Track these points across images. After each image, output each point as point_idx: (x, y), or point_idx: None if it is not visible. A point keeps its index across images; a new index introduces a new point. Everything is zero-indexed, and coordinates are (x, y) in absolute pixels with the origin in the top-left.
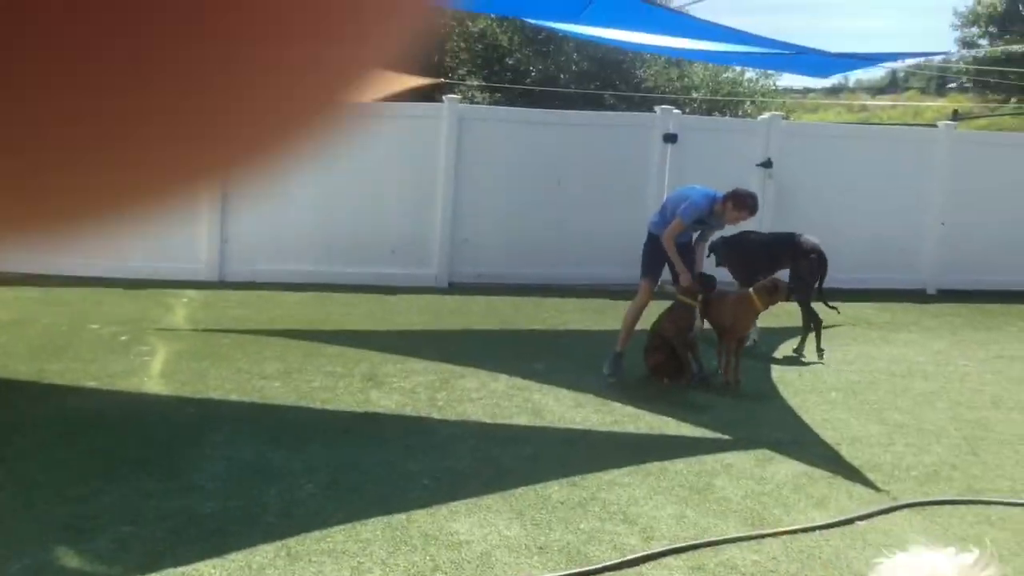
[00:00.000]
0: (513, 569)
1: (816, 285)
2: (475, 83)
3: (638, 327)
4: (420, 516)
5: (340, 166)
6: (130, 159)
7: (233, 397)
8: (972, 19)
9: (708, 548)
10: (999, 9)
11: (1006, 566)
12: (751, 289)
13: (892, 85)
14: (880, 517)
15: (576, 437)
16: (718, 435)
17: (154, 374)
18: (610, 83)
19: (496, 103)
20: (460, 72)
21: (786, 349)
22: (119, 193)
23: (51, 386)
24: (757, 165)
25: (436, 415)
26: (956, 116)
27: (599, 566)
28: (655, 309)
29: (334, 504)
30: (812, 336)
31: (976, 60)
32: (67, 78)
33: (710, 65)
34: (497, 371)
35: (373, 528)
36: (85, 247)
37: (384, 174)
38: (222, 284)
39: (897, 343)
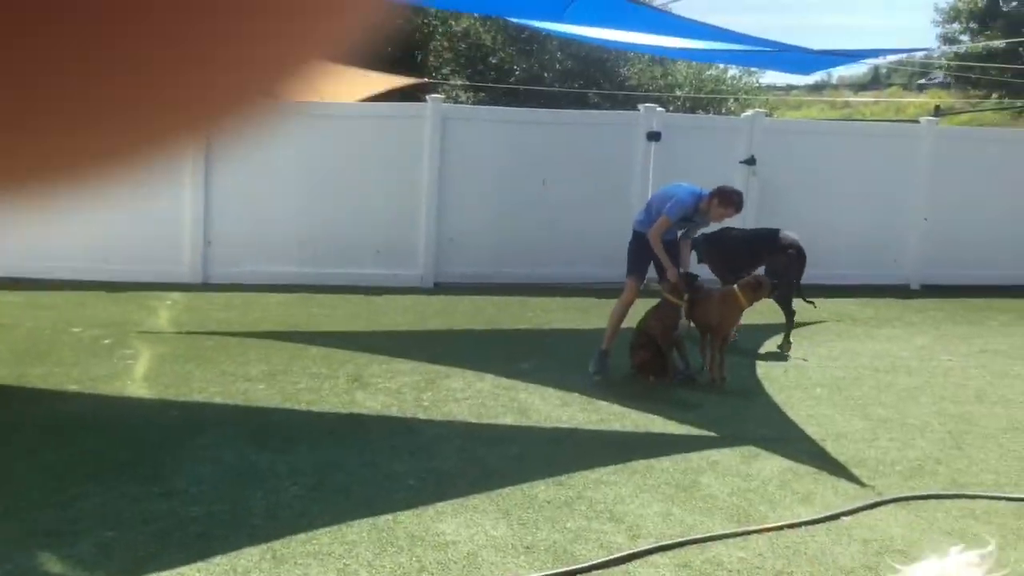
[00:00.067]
0: (500, 569)
1: (794, 281)
2: (459, 82)
3: (624, 325)
4: (406, 517)
5: (323, 166)
6: (80, 120)
7: (217, 400)
8: (953, 15)
9: (694, 545)
10: (979, 5)
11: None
12: (735, 286)
13: (875, 81)
14: (865, 512)
15: (562, 436)
16: (704, 432)
17: (137, 377)
18: (594, 81)
19: (480, 102)
20: (444, 72)
21: (771, 346)
22: (73, 154)
23: (33, 390)
24: (740, 162)
25: (422, 416)
26: (938, 112)
27: (585, 565)
28: (641, 307)
29: (319, 506)
30: (795, 331)
31: (957, 56)
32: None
33: (693, 63)
34: (483, 371)
35: (359, 530)
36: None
37: (368, 174)
38: (205, 286)
39: (881, 338)
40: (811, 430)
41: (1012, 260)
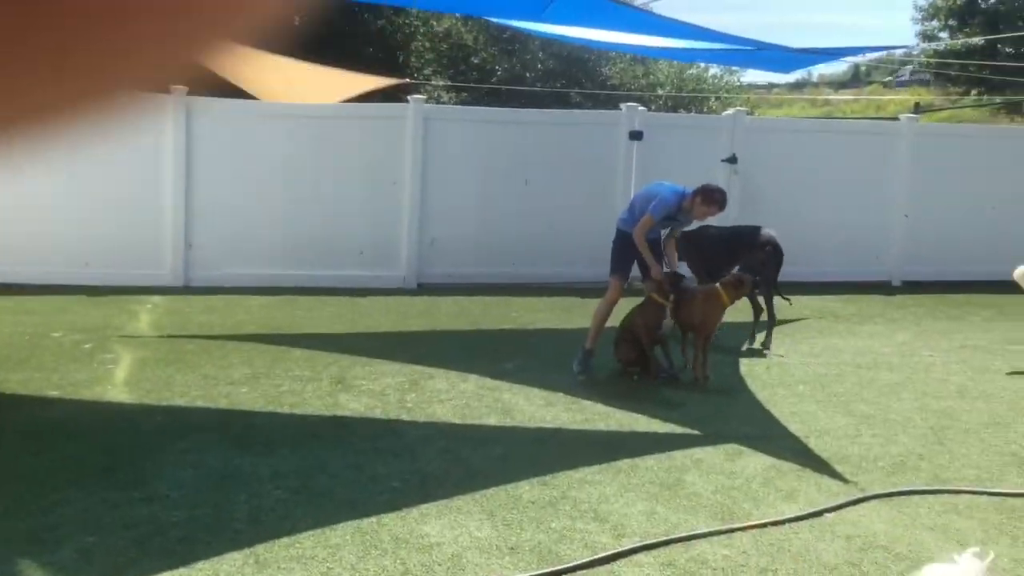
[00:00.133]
0: (484, 570)
1: (771, 277)
2: (441, 83)
3: (608, 324)
4: (390, 519)
5: (305, 167)
6: None
7: (199, 403)
8: (932, 12)
9: (679, 544)
10: (958, 2)
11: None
12: (718, 284)
13: (855, 79)
14: (848, 509)
15: (546, 436)
16: (688, 431)
17: (118, 382)
18: (576, 81)
19: (462, 103)
20: (425, 72)
21: (753, 343)
22: None
23: (13, 396)
24: (722, 161)
25: (406, 417)
26: (918, 109)
27: (570, 565)
28: (625, 306)
29: (303, 509)
30: (778, 329)
31: (937, 53)
32: None
33: (675, 62)
34: (467, 371)
35: (342, 533)
36: None
37: (350, 175)
38: (187, 289)
39: (863, 335)
40: (794, 427)
41: (992, 256)
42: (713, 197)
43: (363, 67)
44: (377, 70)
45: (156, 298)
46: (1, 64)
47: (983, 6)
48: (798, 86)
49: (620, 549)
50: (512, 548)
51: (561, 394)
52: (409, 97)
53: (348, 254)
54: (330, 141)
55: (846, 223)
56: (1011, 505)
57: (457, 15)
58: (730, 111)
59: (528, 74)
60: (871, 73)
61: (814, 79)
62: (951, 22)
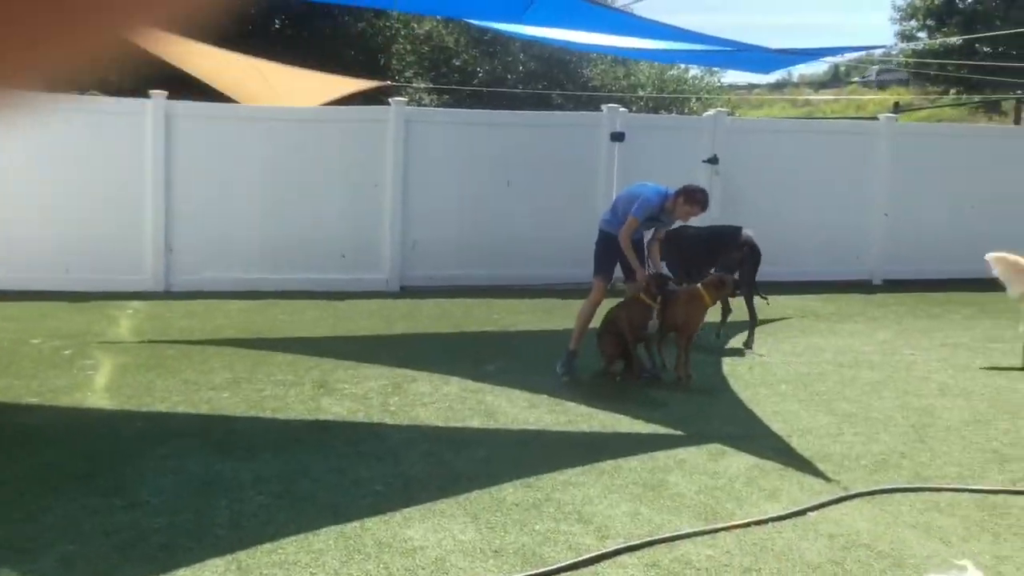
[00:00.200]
0: (468, 574)
1: (749, 278)
2: (422, 85)
3: (591, 325)
4: (373, 523)
5: (286, 170)
6: None
7: (180, 409)
8: (910, 12)
9: (662, 544)
10: (936, 2)
11: (953, 548)
12: (699, 285)
13: (835, 79)
14: (831, 507)
15: (530, 438)
16: (671, 431)
17: (98, 388)
18: (557, 83)
19: (444, 105)
20: (407, 74)
21: (736, 343)
22: None
23: None
24: (703, 161)
25: (389, 420)
26: (897, 108)
27: (554, 567)
28: (608, 307)
29: (285, 514)
30: (760, 328)
31: (915, 53)
32: None
33: (655, 63)
34: (450, 374)
35: (326, 538)
36: None
37: (331, 178)
38: (167, 294)
39: (844, 334)
40: (776, 426)
41: (972, 254)
42: (696, 197)
43: (344, 70)
44: (358, 73)
45: (137, 303)
46: None
47: (961, 6)
48: (778, 86)
49: (604, 550)
50: (496, 551)
51: (544, 396)
52: (390, 100)
53: (330, 257)
54: (311, 144)
55: (826, 223)
56: (992, 502)
57: (438, 17)
58: (711, 112)
59: (509, 76)
60: (850, 73)
61: (794, 79)
62: (929, 22)
